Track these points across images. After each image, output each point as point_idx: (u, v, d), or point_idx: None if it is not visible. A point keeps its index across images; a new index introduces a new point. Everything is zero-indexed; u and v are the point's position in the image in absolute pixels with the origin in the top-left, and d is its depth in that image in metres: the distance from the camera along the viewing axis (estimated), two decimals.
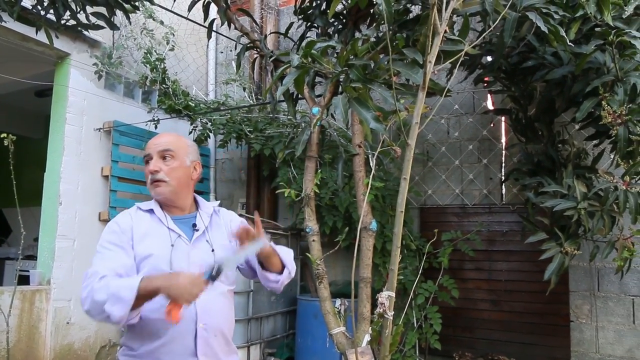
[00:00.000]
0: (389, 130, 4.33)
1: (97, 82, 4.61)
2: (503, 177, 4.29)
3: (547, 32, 2.46)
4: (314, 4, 3.36)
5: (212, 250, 1.85)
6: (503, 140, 4.38)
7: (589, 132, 3.35)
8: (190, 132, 5.09)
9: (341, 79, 2.36)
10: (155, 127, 4.71)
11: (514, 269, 4.17)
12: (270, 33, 5.24)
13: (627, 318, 3.76)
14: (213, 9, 3.48)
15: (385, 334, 1.55)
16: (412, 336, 4.07)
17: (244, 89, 5.29)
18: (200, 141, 5.15)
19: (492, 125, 4.41)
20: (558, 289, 3.55)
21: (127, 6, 3.35)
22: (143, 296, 1.57)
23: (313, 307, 4.13)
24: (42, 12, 3.19)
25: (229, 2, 3.41)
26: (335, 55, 2.78)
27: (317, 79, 3.00)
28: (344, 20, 3.29)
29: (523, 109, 3.58)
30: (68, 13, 3.20)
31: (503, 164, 4.36)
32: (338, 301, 3.88)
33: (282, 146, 4.43)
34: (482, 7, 2.39)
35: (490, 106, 4.43)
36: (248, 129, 4.78)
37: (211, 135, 5.22)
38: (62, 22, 3.26)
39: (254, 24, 4.24)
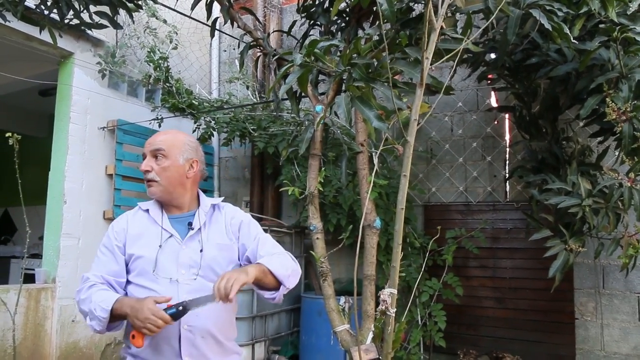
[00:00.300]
0: (393, 128, 4.34)
1: (101, 81, 4.62)
2: (507, 175, 4.27)
3: (550, 29, 2.45)
4: (317, 2, 3.36)
5: (201, 251, 1.83)
6: (507, 137, 4.37)
7: (593, 129, 3.33)
8: (193, 131, 5.10)
9: (344, 78, 2.36)
10: (159, 126, 4.72)
11: (518, 266, 4.16)
12: (274, 31, 5.24)
13: (633, 315, 3.75)
14: (216, 7, 3.48)
15: (388, 331, 1.56)
16: (417, 334, 4.07)
17: (247, 87, 5.29)
18: (203, 140, 5.15)
19: (496, 122, 4.40)
20: (563, 286, 3.55)
21: (130, 5, 3.35)
22: (116, 317, 1.69)
23: (317, 305, 4.13)
24: (46, 12, 3.20)
25: (231, 0, 3.41)
26: (339, 53, 2.78)
27: (321, 76, 3.01)
28: (347, 19, 3.29)
29: (527, 106, 3.57)
30: (71, 12, 3.21)
31: (507, 162, 4.34)
32: (342, 299, 3.88)
33: (285, 144, 4.44)
34: (485, 4, 2.38)
35: (494, 103, 4.42)
36: (252, 127, 4.78)
37: (215, 133, 5.23)
38: (66, 21, 3.27)
39: (257, 22, 4.23)
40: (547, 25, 2.43)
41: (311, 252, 2.85)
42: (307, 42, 2.47)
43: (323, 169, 2.89)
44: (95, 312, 1.69)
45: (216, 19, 3.63)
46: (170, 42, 4.97)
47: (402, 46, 2.17)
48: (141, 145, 4.79)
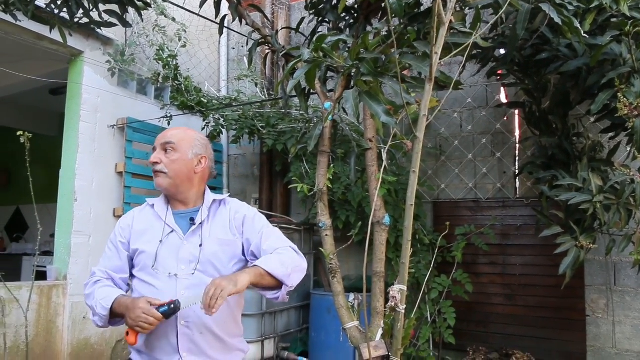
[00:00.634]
0: (402, 124, 4.33)
1: (111, 79, 4.65)
2: (517, 171, 4.25)
3: (561, 23, 2.43)
4: None
5: (200, 245, 1.83)
6: (517, 133, 4.34)
7: (604, 125, 3.30)
8: (202, 128, 5.11)
9: (352, 73, 2.36)
10: (168, 124, 4.74)
11: (528, 263, 4.14)
12: (282, 28, 5.24)
13: None
14: (224, 5, 3.49)
15: (398, 328, 1.55)
16: (426, 330, 4.06)
17: (256, 85, 5.30)
18: (212, 137, 5.17)
19: (505, 118, 4.37)
20: (573, 283, 3.52)
21: (139, 3, 3.36)
22: (117, 314, 1.77)
23: (326, 302, 4.14)
24: (56, 11, 3.22)
25: None
26: (347, 49, 2.77)
27: (329, 73, 3.00)
28: (355, 15, 3.28)
29: (537, 101, 3.54)
30: (81, 11, 3.23)
31: (517, 158, 4.32)
32: (351, 296, 3.88)
33: (294, 141, 4.44)
34: None
35: (503, 99, 4.39)
36: (260, 125, 4.78)
37: (224, 131, 5.24)
38: (76, 20, 3.29)
39: (265, 19, 4.23)
40: (557, 20, 2.41)
41: (320, 249, 2.85)
42: (315, 38, 2.47)
43: (332, 165, 2.89)
44: (96, 309, 1.78)
45: (225, 16, 3.63)
46: (179, 40, 4.99)
47: (411, 41, 2.16)
48: (151, 143, 4.79)
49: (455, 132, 4.57)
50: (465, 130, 4.53)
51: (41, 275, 4.16)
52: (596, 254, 3.78)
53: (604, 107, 2.90)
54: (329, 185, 2.88)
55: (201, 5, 3.48)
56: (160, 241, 1.83)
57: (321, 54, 2.35)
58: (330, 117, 2.72)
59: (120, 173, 4.64)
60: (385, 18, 2.73)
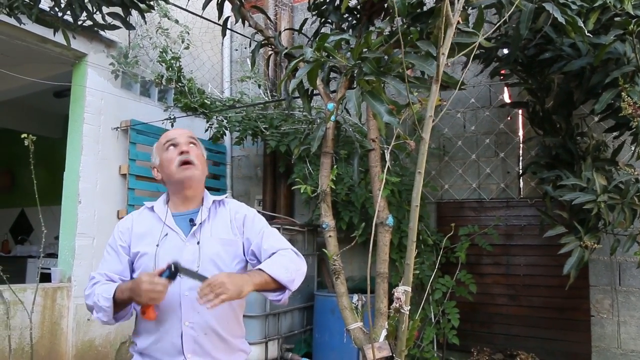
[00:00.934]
0: (405, 124, 4.32)
1: (114, 82, 4.66)
2: (521, 171, 4.24)
3: (564, 23, 2.42)
4: (328, 0, 3.36)
5: (198, 243, 1.84)
6: (520, 133, 4.33)
7: (608, 124, 3.29)
8: (206, 130, 5.12)
9: (355, 73, 2.35)
10: (172, 126, 4.75)
11: (532, 263, 4.13)
12: (285, 29, 5.25)
13: None
14: (227, 6, 3.49)
15: (402, 329, 1.55)
16: (430, 331, 4.05)
17: (259, 86, 5.30)
18: (216, 139, 5.18)
19: (509, 118, 4.36)
20: (578, 283, 3.51)
21: (142, 6, 3.37)
22: (121, 303, 1.73)
23: (330, 303, 4.13)
24: (60, 14, 3.23)
25: None
26: (349, 49, 2.76)
27: (332, 74, 3.00)
28: (358, 16, 3.28)
29: (540, 101, 3.53)
30: (84, 14, 3.24)
31: (520, 158, 4.31)
32: (355, 297, 3.87)
33: (297, 142, 4.44)
34: None
35: (507, 99, 4.38)
36: (264, 126, 4.79)
37: (227, 132, 5.25)
38: (79, 23, 3.30)
39: (268, 20, 4.24)
40: (561, 19, 2.40)
41: (324, 250, 2.85)
42: (319, 36, 2.46)
43: (335, 166, 2.89)
44: (99, 303, 1.74)
45: (227, 18, 3.64)
46: (182, 42, 5.00)
47: (414, 40, 2.16)
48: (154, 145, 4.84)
49: (459, 133, 4.56)
50: (469, 131, 4.53)
51: (46, 278, 4.18)
52: (601, 254, 3.77)
53: (608, 106, 2.89)
54: (332, 186, 2.88)
55: (204, 7, 3.49)
56: (157, 245, 1.82)
57: (323, 53, 2.35)
58: (333, 117, 2.72)
59: (124, 175, 4.65)
60: (388, 18, 2.72)
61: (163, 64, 4.90)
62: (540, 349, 3.94)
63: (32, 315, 3.65)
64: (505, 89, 4.34)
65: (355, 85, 2.36)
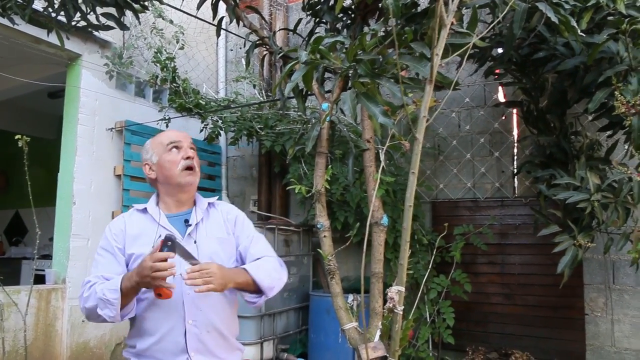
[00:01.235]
0: (400, 124, 4.33)
1: (109, 82, 4.65)
2: (515, 170, 4.25)
3: (557, 22, 2.43)
4: (322, 0, 3.36)
5: (195, 242, 1.86)
6: (515, 132, 4.34)
7: (602, 123, 3.30)
8: (201, 130, 5.11)
9: (350, 74, 2.36)
10: (167, 126, 4.74)
11: (527, 262, 4.14)
12: (279, 29, 5.24)
13: None
14: (222, 6, 3.48)
15: (395, 329, 1.55)
16: (425, 331, 4.06)
17: (254, 86, 5.30)
18: (211, 139, 5.17)
19: (503, 117, 4.37)
20: (572, 282, 3.52)
21: (136, 6, 3.36)
22: (128, 293, 1.69)
23: (325, 303, 4.13)
24: (53, 14, 3.22)
25: None
26: (344, 50, 2.77)
27: (327, 74, 3.00)
28: (353, 16, 3.28)
29: (534, 100, 3.54)
30: (78, 14, 3.23)
31: (515, 157, 4.32)
32: (350, 297, 3.88)
33: (292, 142, 4.44)
34: None
35: (501, 99, 4.39)
36: (259, 126, 4.79)
37: (222, 133, 5.24)
38: (73, 23, 3.29)
39: (263, 20, 4.23)
40: (554, 19, 2.41)
41: (319, 250, 2.85)
42: (313, 38, 2.47)
43: (330, 166, 2.88)
44: (105, 296, 1.68)
45: (222, 18, 3.63)
46: (177, 42, 4.99)
47: (408, 41, 2.16)
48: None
49: (454, 132, 4.57)
50: (464, 130, 4.54)
51: (40, 279, 4.16)
52: (594, 253, 3.79)
53: (601, 105, 2.90)
54: (327, 186, 2.88)
55: (198, 7, 3.48)
56: (153, 246, 1.82)
57: (318, 55, 2.35)
58: (327, 118, 2.72)
59: (118, 176, 4.64)
60: (382, 19, 2.73)
61: (158, 65, 4.89)
62: (535, 348, 3.95)
63: (26, 317, 3.63)
64: (500, 88, 4.36)
65: (350, 86, 2.37)
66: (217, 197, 2.13)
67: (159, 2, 3.96)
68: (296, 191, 2.91)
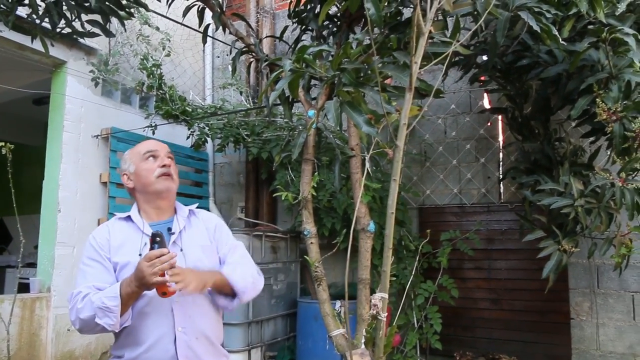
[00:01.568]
0: (386, 131, 4.35)
1: (94, 89, 4.62)
2: (501, 176, 4.29)
3: (539, 31, 2.47)
4: (308, 7, 3.37)
5: (181, 250, 1.86)
6: (500, 139, 4.38)
7: (585, 130, 3.35)
8: (188, 137, 5.10)
9: (335, 82, 2.37)
10: (153, 133, 4.72)
11: (513, 267, 4.18)
12: (265, 37, 5.25)
13: (628, 314, 3.76)
14: (208, 14, 3.48)
15: (379, 336, 1.56)
16: (413, 336, 4.07)
17: (241, 93, 5.30)
18: (198, 146, 5.16)
19: (489, 124, 4.42)
20: (558, 286, 3.56)
21: (122, 13, 3.35)
22: (127, 299, 1.68)
23: (313, 310, 4.13)
24: (38, 21, 3.20)
25: (224, 7, 3.42)
26: (330, 56, 2.78)
27: (313, 81, 3.01)
28: (338, 23, 3.30)
29: (519, 107, 3.58)
30: (63, 21, 3.21)
31: (501, 163, 4.36)
32: (338, 303, 3.88)
33: (279, 149, 4.44)
34: (474, 7, 2.40)
35: (486, 105, 4.44)
36: (245, 133, 4.79)
37: (209, 139, 5.23)
38: (58, 30, 3.26)
39: (249, 28, 4.23)
40: (536, 27, 2.44)
41: (306, 257, 2.85)
42: (298, 47, 2.48)
43: (316, 173, 2.89)
44: (105, 304, 1.65)
45: (208, 25, 3.63)
46: (163, 49, 4.98)
47: (392, 50, 2.18)
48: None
49: (440, 138, 4.61)
50: (450, 136, 4.57)
51: (24, 288, 4.11)
52: (579, 257, 3.83)
53: (584, 112, 2.95)
54: (314, 193, 2.88)
55: (184, 15, 3.48)
56: (140, 254, 1.80)
57: (303, 64, 2.36)
58: (314, 125, 2.73)
59: (104, 183, 4.61)
60: (366, 28, 2.75)
61: (144, 71, 4.88)
62: (521, 352, 3.98)
63: (9, 327, 3.57)
64: (485, 95, 4.40)
65: (335, 93, 2.38)
66: (196, 204, 2.12)
67: (145, 9, 3.94)
68: (283, 198, 2.91)
